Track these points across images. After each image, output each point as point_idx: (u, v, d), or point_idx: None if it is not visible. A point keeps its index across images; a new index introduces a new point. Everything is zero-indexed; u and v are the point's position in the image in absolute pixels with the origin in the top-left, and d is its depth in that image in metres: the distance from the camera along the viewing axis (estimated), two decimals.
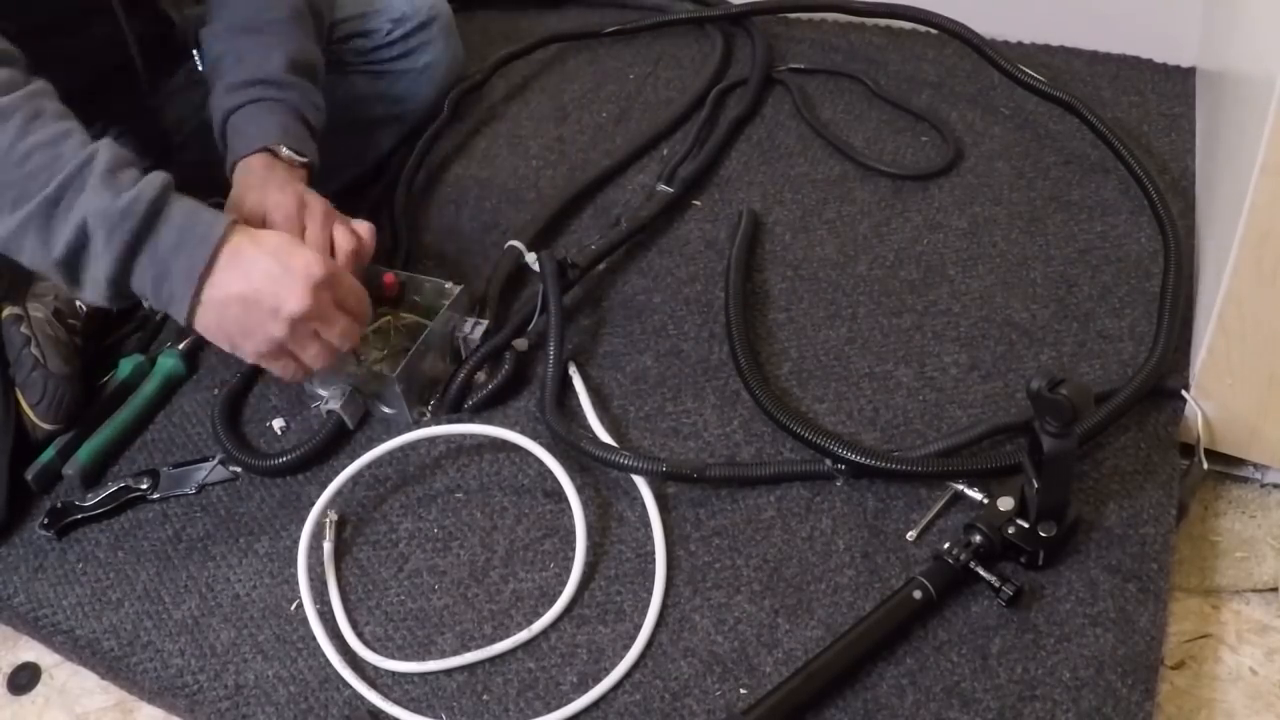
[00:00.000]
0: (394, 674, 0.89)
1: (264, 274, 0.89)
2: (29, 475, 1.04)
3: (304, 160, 1.05)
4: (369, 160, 1.33)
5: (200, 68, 1.16)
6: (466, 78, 1.42)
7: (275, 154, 1.03)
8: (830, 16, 1.48)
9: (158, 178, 0.89)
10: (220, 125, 1.06)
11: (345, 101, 1.11)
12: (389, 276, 1.08)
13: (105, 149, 0.88)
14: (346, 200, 1.29)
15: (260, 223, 0.97)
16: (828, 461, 0.95)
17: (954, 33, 1.32)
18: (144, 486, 1.04)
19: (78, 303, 1.13)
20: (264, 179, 1.01)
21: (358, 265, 1.00)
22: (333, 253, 0.99)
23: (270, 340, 0.91)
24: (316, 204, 1.01)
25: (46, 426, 1.06)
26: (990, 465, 0.93)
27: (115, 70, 1.14)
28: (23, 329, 1.07)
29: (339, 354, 0.96)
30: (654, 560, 0.92)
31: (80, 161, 0.86)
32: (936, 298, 1.11)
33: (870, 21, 1.46)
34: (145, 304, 0.92)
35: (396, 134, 1.35)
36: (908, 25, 1.38)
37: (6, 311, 1.09)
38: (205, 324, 0.90)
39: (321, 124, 1.10)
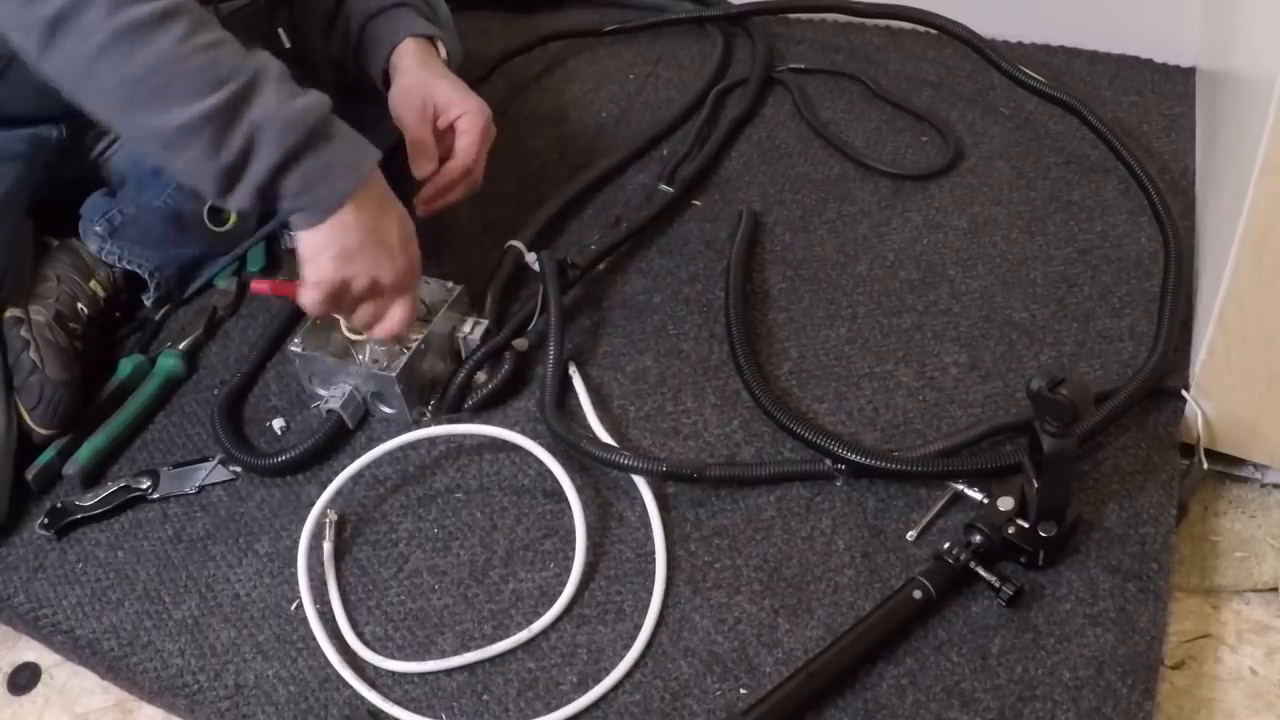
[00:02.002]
0: (394, 674, 0.89)
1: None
2: (29, 475, 1.04)
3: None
4: None
5: None
6: (466, 77, 1.42)
7: (431, 41, 1.12)
8: (830, 16, 1.48)
9: (325, 96, 0.94)
10: (357, 33, 1.12)
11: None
12: None
13: (273, 61, 0.93)
14: None
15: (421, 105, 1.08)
16: (828, 461, 0.95)
17: (954, 33, 1.32)
18: (144, 486, 1.04)
19: (79, 305, 1.13)
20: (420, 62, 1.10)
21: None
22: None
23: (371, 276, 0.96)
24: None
25: (42, 431, 1.06)
26: (990, 465, 0.93)
27: None
28: (22, 332, 1.06)
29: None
30: (654, 560, 0.92)
31: (255, 68, 0.90)
32: (936, 298, 1.11)
33: (870, 21, 1.45)
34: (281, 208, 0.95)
35: (396, 133, 1.34)
36: (908, 25, 1.38)
37: (8, 313, 1.09)
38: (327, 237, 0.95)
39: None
